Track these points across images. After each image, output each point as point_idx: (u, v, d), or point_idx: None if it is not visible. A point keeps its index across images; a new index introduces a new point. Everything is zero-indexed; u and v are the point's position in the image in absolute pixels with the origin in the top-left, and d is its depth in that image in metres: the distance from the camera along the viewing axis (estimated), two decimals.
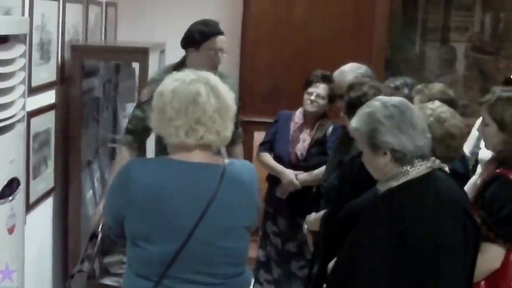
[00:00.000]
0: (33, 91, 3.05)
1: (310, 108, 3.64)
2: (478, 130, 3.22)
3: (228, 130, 1.97)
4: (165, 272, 1.87)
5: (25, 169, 2.54)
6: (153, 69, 3.61)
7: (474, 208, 2.24)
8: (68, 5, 3.54)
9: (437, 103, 2.54)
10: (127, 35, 4.71)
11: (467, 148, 3.50)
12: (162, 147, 2.33)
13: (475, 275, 2.11)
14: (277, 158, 3.74)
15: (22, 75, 2.40)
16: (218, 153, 2.14)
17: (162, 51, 4.29)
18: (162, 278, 1.88)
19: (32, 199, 3.16)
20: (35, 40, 3.09)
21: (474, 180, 2.63)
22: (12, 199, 2.28)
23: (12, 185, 2.28)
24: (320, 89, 3.62)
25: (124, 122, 3.82)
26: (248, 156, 4.09)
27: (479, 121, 2.96)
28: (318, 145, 3.65)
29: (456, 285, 1.97)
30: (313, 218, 2.90)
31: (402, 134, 1.99)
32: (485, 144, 2.64)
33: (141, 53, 3.66)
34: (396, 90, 3.10)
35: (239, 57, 4.74)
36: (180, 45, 3.10)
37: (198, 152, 1.94)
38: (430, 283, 1.92)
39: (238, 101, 2.89)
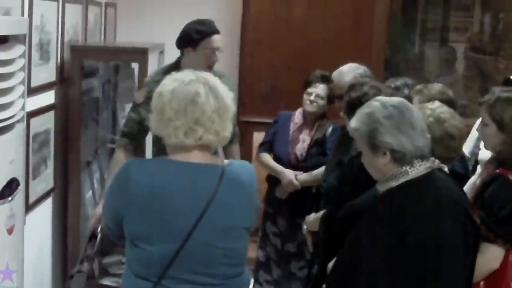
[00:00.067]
0: (32, 91, 3.05)
1: (309, 108, 3.64)
2: (477, 130, 3.22)
3: (227, 131, 1.97)
4: (164, 272, 1.87)
5: (24, 170, 2.54)
6: (152, 70, 3.61)
7: (473, 208, 2.24)
8: (67, 5, 3.54)
9: (436, 103, 2.54)
10: (127, 35, 4.71)
11: (466, 149, 3.50)
12: (159, 148, 2.32)
13: (474, 275, 2.12)
14: (277, 159, 3.73)
15: (21, 75, 2.40)
16: (215, 152, 2.13)
17: (162, 52, 4.29)
18: (161, 279, 1.87)
19: (32, 199, 3.16)
20: (35, 40, 3.08)
21: (473, 180, 2.63)
22: (12, 199, 2.28)
23: (11, 185, 2.28)
24: (319, 89, 3.62)
25: (123, 123, 3.81)
26: (247, 156, 4.09)
27: (478, 121, 2.95)
28: (317, 145, 3.65)
29: (456, 285, 1.97)
30: (313, 218, 2.90)
31: (401, 135, 1.99)
32: (484, 145, 2.64)
33: (141, 54, 3.66)
34: (396, 91, 3.11)
35: (239, 57, 4.74)
36: (176, 45, 3.10)
37: (197, 153, 1.93)
38: (430, 283, 1.92)
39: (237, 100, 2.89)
